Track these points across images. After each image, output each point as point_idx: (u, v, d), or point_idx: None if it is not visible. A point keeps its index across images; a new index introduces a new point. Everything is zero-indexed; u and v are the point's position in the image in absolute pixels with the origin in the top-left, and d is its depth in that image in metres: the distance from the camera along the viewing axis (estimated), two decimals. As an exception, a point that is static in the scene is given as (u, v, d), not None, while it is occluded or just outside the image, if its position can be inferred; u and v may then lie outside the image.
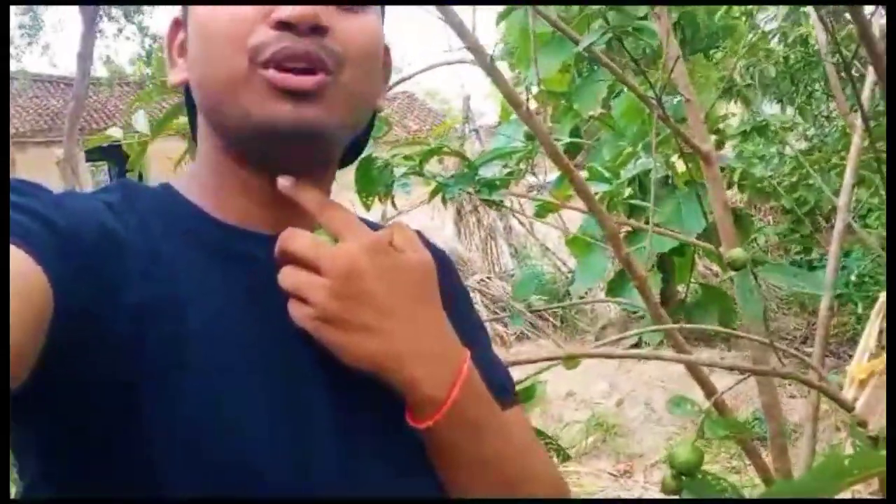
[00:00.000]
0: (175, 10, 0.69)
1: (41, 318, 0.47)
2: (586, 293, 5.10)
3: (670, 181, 2.15)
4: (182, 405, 0.54)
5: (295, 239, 0.60)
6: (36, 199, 0.53)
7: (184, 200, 0.65)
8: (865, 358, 1.27)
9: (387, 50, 0.70)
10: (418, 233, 0.72)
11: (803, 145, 5.29)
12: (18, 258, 0.47)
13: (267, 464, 0.56)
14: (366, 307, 0.59)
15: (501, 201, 1.58)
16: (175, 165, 1.61)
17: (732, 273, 1.25)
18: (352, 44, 0.61)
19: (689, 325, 1.30)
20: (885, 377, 1.23)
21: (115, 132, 1.53)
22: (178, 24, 0.68)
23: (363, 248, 0.60)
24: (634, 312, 5.85)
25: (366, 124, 0.70)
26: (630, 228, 2.28)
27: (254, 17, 0.59)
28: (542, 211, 2.19)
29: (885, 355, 1.24)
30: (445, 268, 0.74)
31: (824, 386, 1.23)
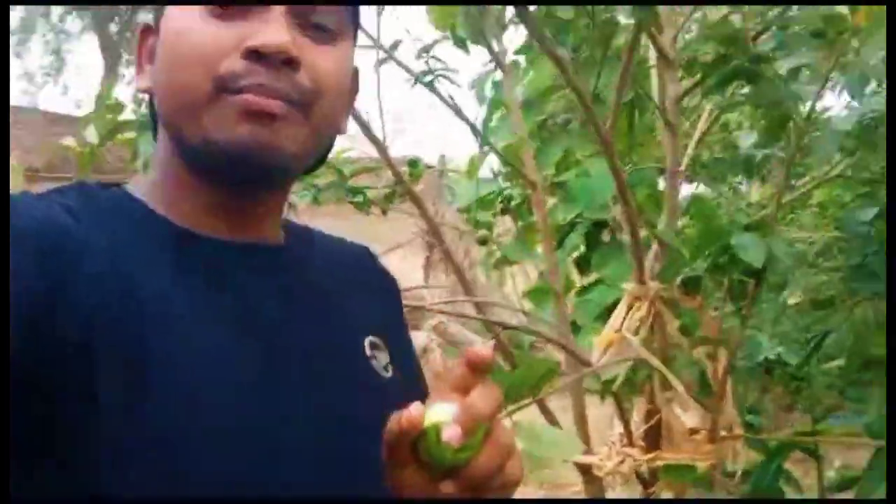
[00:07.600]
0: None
1: None
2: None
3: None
4: (142, 413, 0.54)
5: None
6: None
7: (139, 203, 0.64)
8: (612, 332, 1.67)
9: (355, 73, 0.71)
10: (369, 252, 0.79)
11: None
12: None
13: (233, 475, 0.56)
14: None
15: (369, 206, 1.95)
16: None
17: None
18: (324, 79, 0.61)
19: (473, 299, 1.71)
20: (621, 345, 1.64)
21: (69, 140, 1.87)
22: (148, 31, 0.67)
23: None
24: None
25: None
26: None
27: (226, 45, 0.58)
28: (501, 262, 2.31)
29: (622, 331, 1.65)
30: (396, 291, 0.80)
31: (569, 346, 1.64)
